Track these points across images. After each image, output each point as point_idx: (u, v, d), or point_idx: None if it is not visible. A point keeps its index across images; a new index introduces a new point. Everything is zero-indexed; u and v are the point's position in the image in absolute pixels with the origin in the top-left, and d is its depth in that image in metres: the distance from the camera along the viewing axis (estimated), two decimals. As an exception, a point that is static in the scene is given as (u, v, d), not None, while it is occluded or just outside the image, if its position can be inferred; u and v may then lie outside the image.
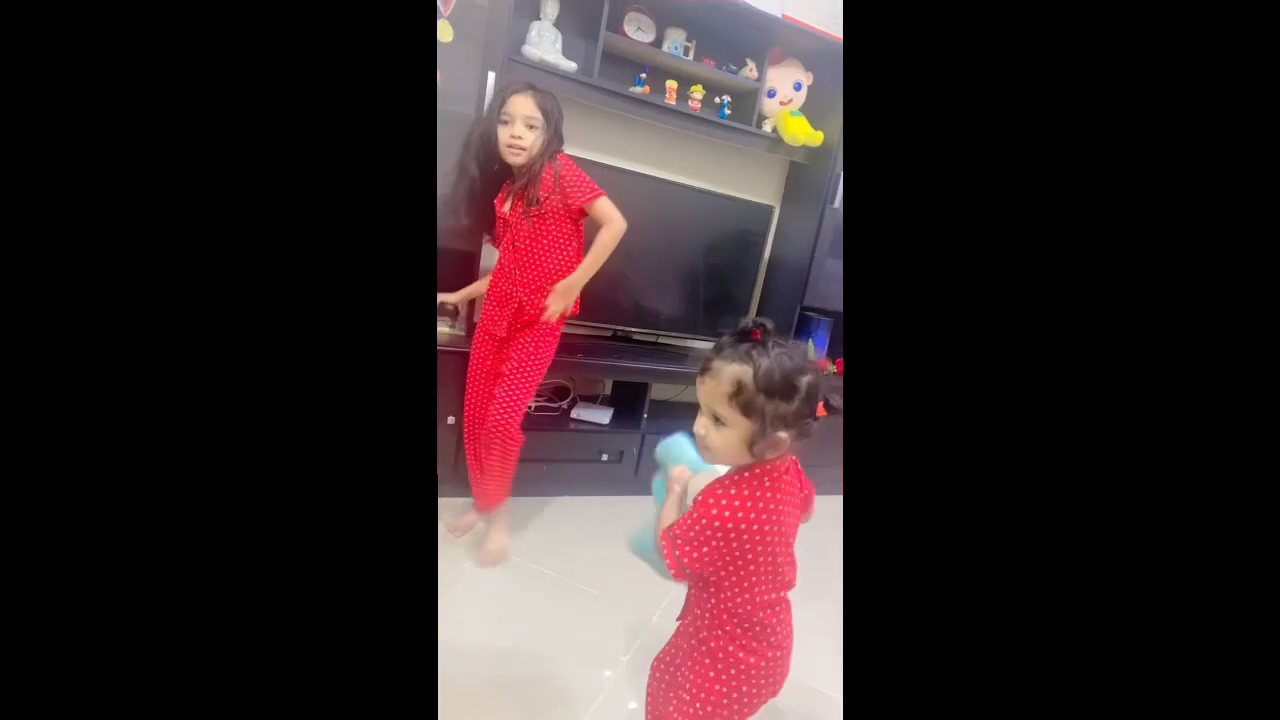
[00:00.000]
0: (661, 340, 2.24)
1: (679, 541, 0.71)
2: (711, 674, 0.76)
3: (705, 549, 0.70)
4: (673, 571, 0.72)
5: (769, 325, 0.71)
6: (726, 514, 0.70)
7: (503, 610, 1.39)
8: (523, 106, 1.34)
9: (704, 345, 2.30)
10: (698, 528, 0.70)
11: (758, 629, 0.75)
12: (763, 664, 0.76)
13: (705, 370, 0.72)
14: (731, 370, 0.69)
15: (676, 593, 1.49)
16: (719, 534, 0.70)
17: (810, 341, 2.29)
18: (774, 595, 0.75)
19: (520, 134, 1.34)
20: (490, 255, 1.58)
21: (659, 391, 2.23)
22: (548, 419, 1.97)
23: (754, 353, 0.69)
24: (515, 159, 1.36)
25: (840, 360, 2.31)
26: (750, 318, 0.72)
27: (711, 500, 0.71)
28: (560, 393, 2.12)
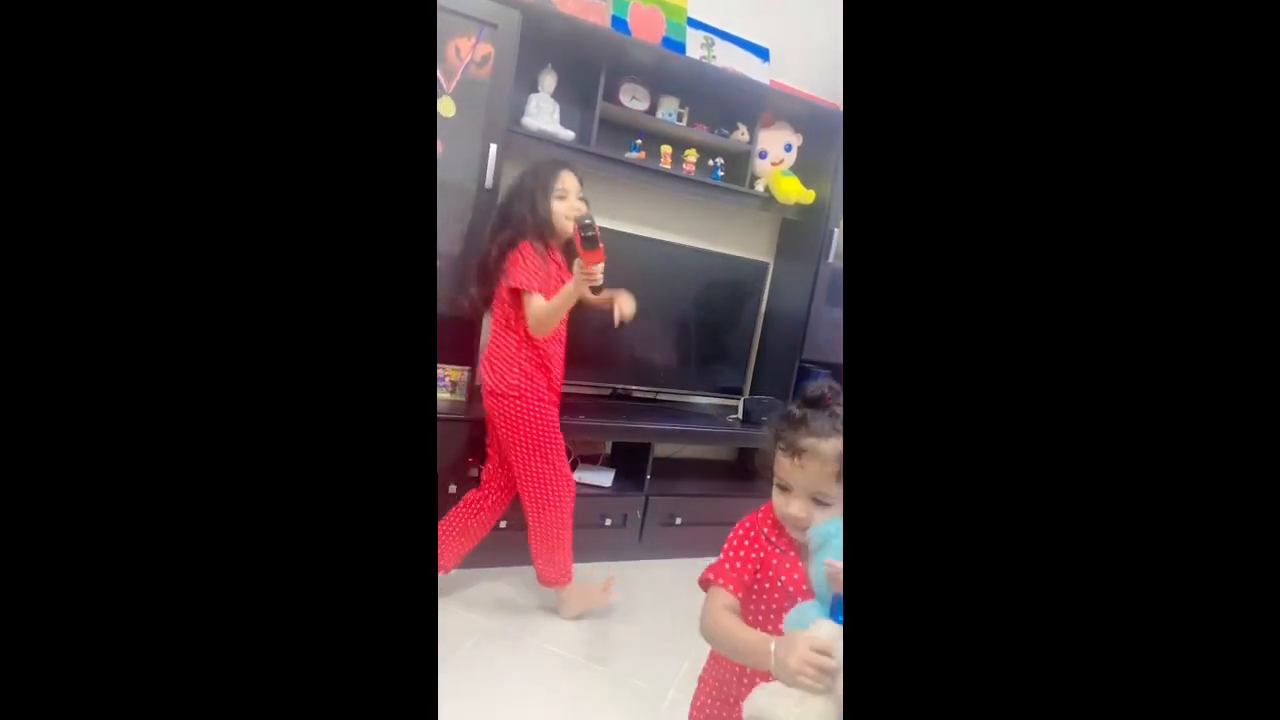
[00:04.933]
0: (661, 397, 2.23)
1: None
2: None
3: None
4: None
5: (836, 385, 0.68)
6: None
7: (505, 691, 1.32)
8: (573, 182, 1.45)
9: (704, 400, 2.29)
10: None
11: None
12: None
13: (799, 453, 0.66)
14: (832, 446, 0.65)
15: (692, 667, 1.43)
16: None
17: (811, 395, 2.29)
18: None
19: (578, 205, 1.44)
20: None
21: (660, 449, 2.20)
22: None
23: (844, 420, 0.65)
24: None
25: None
26: (820, 382, 0.69)
27: None
28: (561, 454, 2.09)
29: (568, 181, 1.44)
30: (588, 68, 1.82)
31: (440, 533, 1.53)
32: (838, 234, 2.10)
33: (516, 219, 1.41)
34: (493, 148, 1.60)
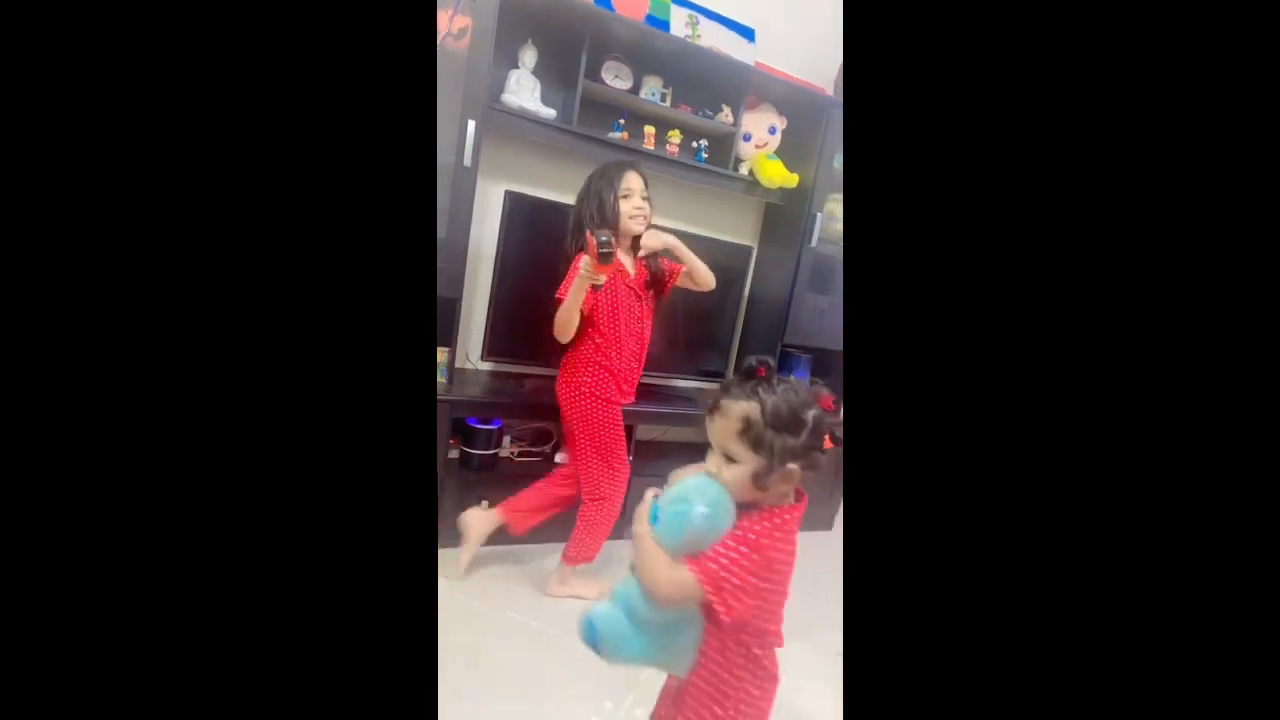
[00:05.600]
0: (644, 380, 2.22)
1: (726, 587, 0.67)
2: (733, 714, 0.75)
3: (749, 590, 0.68)
4: (726, 619, 0.67)
5: (771, 362, 0.72)
6: (766, 550, 0.69)
7: (487, 666, 1.32)
8: (638, 182, 1.48)
9: (687, 384, 2.29)
10: (740, 568, 0.67)
11: (765, 665, 0.75)
12: (768, 701, 0.76)
13: (715, 409, 0.73)
14: (740, 407, 0.70)
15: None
16: (758, 573, 0.68)
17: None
18: (778, 632, 0.75)
19: (642, 205, 1.48)
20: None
21: (644, 432, 2.20)
22: (532, 465, 1.93)
23: (760, 390, 0.70)
24: (641, 227, 1.49)
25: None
26: (753, 356, 0.73)
27: (750, 538, 0.69)
28: (543, 437, 2.08)
29: (632, 181, 1.47)
30: (569, 44, 1.78)
31: (526, 497, 1.62)
32: (820, 218, 2.10)
33: (586, 220, 1.46)
34: (471, 124, 1.56)
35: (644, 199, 1.50)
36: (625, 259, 1.49)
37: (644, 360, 1.60)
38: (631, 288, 1.52)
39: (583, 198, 1.50)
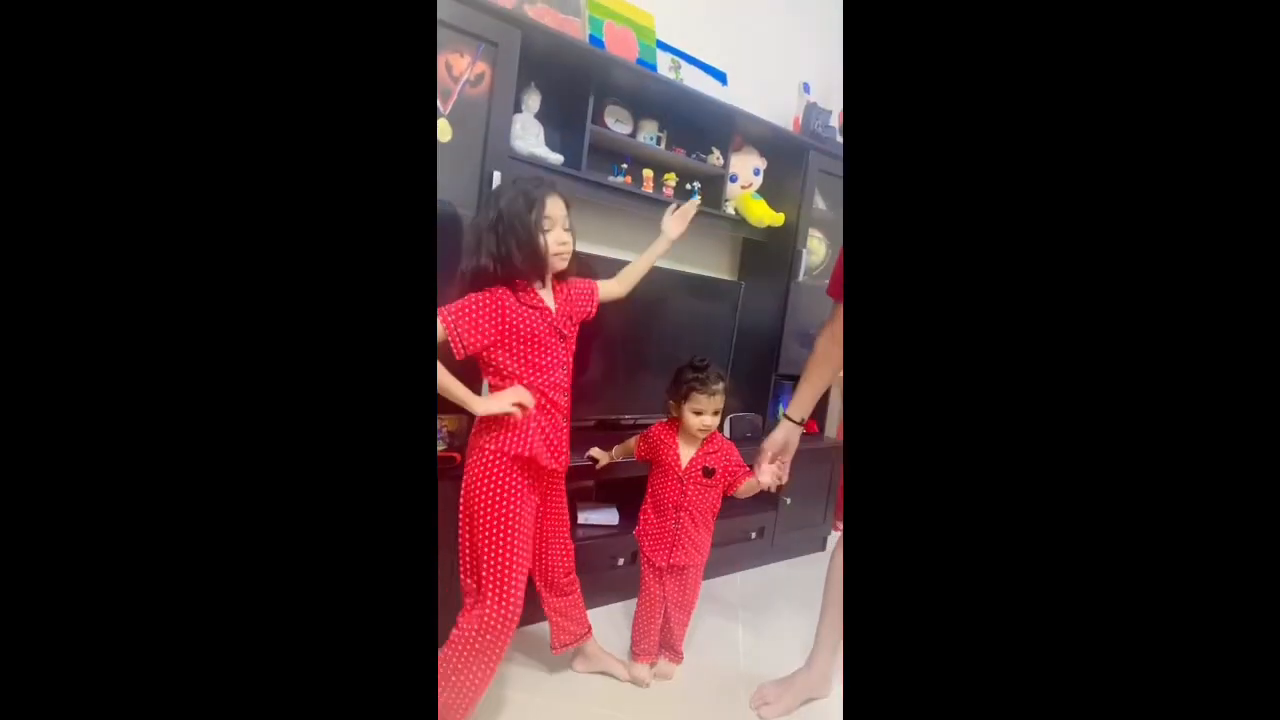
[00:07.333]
0: (642, 422, 2.18)
1: None
2: None
3: None
4: None
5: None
6: None
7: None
8: (560, 208, 1.19)
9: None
10: None
11: None
12: None
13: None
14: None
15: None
16: None
17: (782, 408, 2.36)
18: None
19: (565, 239, 1.20)
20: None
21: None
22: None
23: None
24: (564, 264, 1.22)
25: (813, 421, 2.39)
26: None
27: None
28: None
29: (554, 208, 1.16)
30: (574, 87, 1.72)
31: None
32: (805, 255, 2.18)
33: (496, 253, 1.14)
34: (496, 175, 1.46)
35: (566, 230, 1.20)
36: (544, 294, 1.22)
37: (570, 414, 1.29)
38: (555, 326, 1.21)
39: (491, 223, 1.14)
